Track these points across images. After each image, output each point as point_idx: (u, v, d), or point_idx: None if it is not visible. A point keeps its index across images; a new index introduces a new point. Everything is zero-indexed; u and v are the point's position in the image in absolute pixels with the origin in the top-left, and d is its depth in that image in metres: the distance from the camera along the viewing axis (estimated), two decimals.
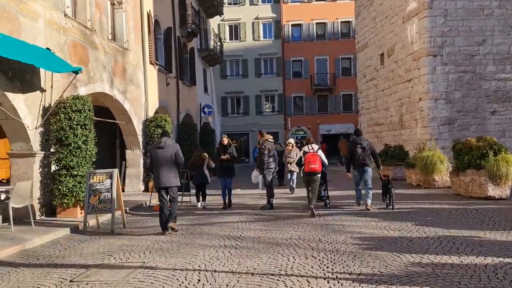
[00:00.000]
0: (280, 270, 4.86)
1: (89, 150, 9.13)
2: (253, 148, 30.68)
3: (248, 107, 35.51)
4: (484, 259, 4.95)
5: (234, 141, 30.62)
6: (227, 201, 10.09)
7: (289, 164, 12.58)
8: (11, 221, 7.45)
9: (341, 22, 35.20)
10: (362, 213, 8.53)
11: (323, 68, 35.50)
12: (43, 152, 8.75)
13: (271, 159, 9.83)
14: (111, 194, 8.05)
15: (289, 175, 12.96)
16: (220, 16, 26.58)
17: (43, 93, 8.79)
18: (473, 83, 16.76)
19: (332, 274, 4.63)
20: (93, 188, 8.08)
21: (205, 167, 10.57)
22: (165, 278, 4.77)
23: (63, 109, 8.78)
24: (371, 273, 4.58)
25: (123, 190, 13.73)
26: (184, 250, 6.03)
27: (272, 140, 10.41)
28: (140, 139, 13.94)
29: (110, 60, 12.00)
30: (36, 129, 8.56)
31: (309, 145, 9.06)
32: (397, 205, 9.28)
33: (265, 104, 35.97)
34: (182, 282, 4.60)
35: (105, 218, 8.77)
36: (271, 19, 35.36)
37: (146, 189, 13.74)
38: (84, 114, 9.03)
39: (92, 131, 9.35)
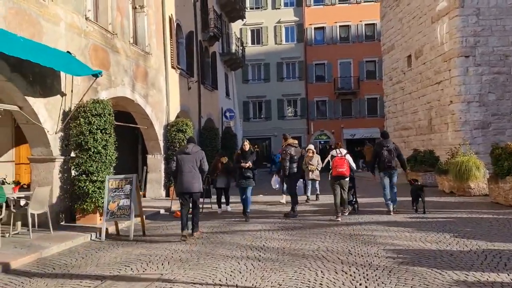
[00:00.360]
0: (308, 287, 4.45)
1: (109, 155, 8.92)
2: (273, 154, 30.17)
3: (270, 111, 35.15)
4: None
5: (256, 146, 30.53)
6: (244, 214, 9.12)
7: (310, 172, 11.53)
8: (29, 228, 7.28)
9: (365, 24, 34.49)
10: (393, 222, 8.00)
11: (347, 72, 34.82)
12: (63, 157, 8.60)
13: (294, 165, 9.31)
14: (130, 200, 7.80)
15: (309, 183, 11.84)
16: (242, 20, 26.39)
17: (63, 97, 8.66)
18: (509, 85, 15.92)
19: None
20: (112, 194, 7.85)
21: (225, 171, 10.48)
22: None
23: (83, 113, 8.62)
24: None
25: (144, 196, 13.65)
26: (204, 261, 5.68)
27: (296, 145, 9.72)
28: (161, 144, 13.75)
29: (132, 64, 11.86)
30: (56, 133, 8.42)
31: (337, 149, 9.13)
32: (431, 214, 8.76)
33: (288, 109, 35.52)
34: None
35: (124, 224, 8.54)
36: (293, 23, 34.98)
37: (167, 195, 13.52)
38: (104, 118, 8.84)
39: (112, 136, 9.15)
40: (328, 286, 4.44)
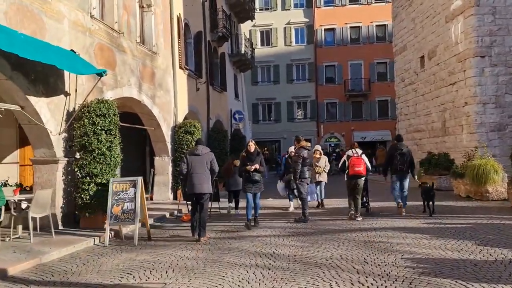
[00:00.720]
0: None
1: (114, 157, 8.66)
2: (278, 156, 29.67)
3: (280, 113, 34.81)
4: None
5: (265, 148, 30.16)
6: (253, 219, 8.43)
7: (317, 174, 10.79)
8: (30, 232, 7.02)
9: (376, 25, 34.04)
10: (410, 229, 7.60)
11: (358, 73, 34.37)
12: (66, 159, 8.36)
13: (305, 168, 8.95)
14: (135, 204, 7.52)
15: (315, 186, 10.79)
16: (252, 21, 26.11)
17: (67, 97, 8.43)
18: None
19: None
20: (116, 197, 7.58)
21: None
22: None
23: (87, 114, 8.37)
24: None
25: (151, 198, 13.39)
26: (210, 270, 5.35)
27: (309, 148, 9.39)
28: (169, 145, 13.48)
29: (138, 64, 11.62)
30: (59, 134, 8.19)
31: (353, 149, 9.26)
32: (449, 220, 8.34)
33: (297, 111, 35.16)
34: None
35: (129, 229, 8.25)
36: (303, 24, 34.66)
37: (175, 198, 13.25)
38: (109, 119, 8.59)
39: (117, 137, 8.89)
40: None
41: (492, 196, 11.14)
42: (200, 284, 4.75)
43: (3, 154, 10.09)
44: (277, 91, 34.48)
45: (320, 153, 11.20)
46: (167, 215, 10.52)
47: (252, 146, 8.45)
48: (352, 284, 4.55)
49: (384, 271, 4.96)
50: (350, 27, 34.28)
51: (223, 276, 5.03)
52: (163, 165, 13.52)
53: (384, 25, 33.46)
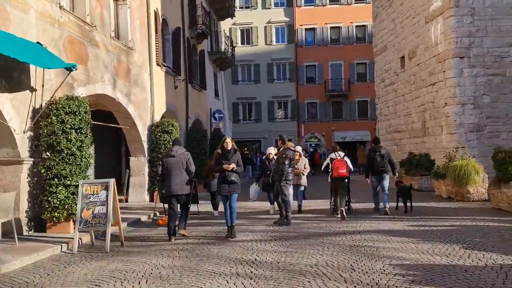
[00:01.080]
0: None
1: (85, 157, 8.14)
2: (254, 156, 29.06)
3: (260, 113, 34.51)
4: None
5: (245, 148, 29.73)
6: (228, 229, 7.44)
7: (296, 176, 9.91)
8: None
9: (356, 26, 34.13)
10: (395, 232, 7.37)
11: (338, 74, 34.39)
12: (32, 159, 7.79)
13: (290, 170, 8.62)
14: (107, 208, 7.04)
15: (293, 189, 9.69)
16: (232, 18, 25.70)
17: (33, 93, 7.86)
18: (504, 87, 15.47)
19: None
20: (86, 201, 7.08)
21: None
22: None
23: (55, 111, 7.83)
24: None
25: (126, 201, 12.84)
26: (187, 280, 4.95)
27: (293, 148, 9.09)
28: (145, 145, 12.96)
29: (113, 59, 11.08)
30: (24, 133, 7.61)
31: (336, 152, 9.51)
32: (434, 222, 8.18)
33: (278, 111, 34.92)
34: None
35: (100, 234, 7.74)
36: (284, 23, 34.45)
37: (152, 200, 12.73)
38: (79, 117, 8.06)
39: (89, 136, 8.37)
40: None
41: (473, 197, 11.09)
42: None
43: None
44: (257, 90, 34.16)
45: (300, 155, 10.56)
46: (143, 218, 10.04)
47: (229, 143, 7.52)
48: None
49: (373, 279, 4.67)
50: (331, 27, 34.26)
51: (201, 287, 4.65)
52: (139, 165, 12.99)
53: (364, 25, 33.60)
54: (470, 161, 11.25)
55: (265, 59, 34.11)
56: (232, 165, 7.36)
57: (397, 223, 8.21)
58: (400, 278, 4.65)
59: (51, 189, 7.74)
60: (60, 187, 7.76)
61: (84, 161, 8.12)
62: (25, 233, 7.57)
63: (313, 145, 34.12)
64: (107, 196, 7.08)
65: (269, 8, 34.42)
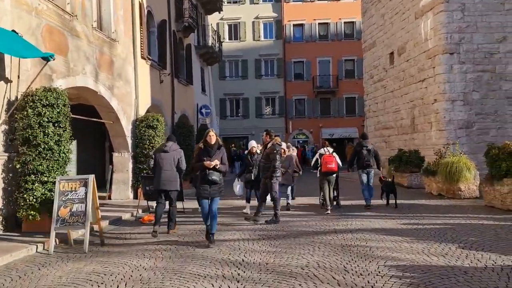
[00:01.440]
0: None
1: (63, 152, 7.71)
2: (234, 151, 27.78)
3: (248, 109, 34.15)
4: None
5: (232, 144, 29.34)
6: (207, 235, 6.53)
7: (284, 175, 9.56)
8: None
9: (345, 22, 33.97)
10: (388, 230, 7.13)
11: (326, 70, 34.20)
12: (6, 154, 7.33)
13: (279, 165, 8.33)
14: (86, 205, 6.64)
15: (282, 188, 9.62)
16: (219, 12, 25.26)
17: (8, 84, 7.39)
18: (493, 84, 15.42)
19: None
20: (63, 198, 6.68)
21: None
22: None
23: (31, 103, 7.38)
24: None
25: (109, 198, 12.41)
26: (169, 283, 4.62)
27: (281, 144, 8.78)
28: (129, 140, 12.52)
29: (95, 51, 10.62)
30: None
31: (325, 148, 9.84)
32: (426, 220, 7.97)
33: (266, 107, 34.61)
34: None
35: (80, 233, 7.34)
36: (272, 19, 34.10)
37: (136, 197, 12.32)
38: (58, 110, 7.63)
39: (68, 130, 7.93)
40: None
41: (464, 194, 10.94)
42: None
43: None
44: (245, 86, 33.78)
45: (285, 151, 10.09)
46: (126, 216, 9.64)
47: (213, 137, 6.51)
48: None
49: (368, 282, 4.40)
50: (319, 23, 34.04)
51: None
52: (123, 161, 12.55)
53: (352, 22, 33.47)
54: (461, 158, 11.09)
55: (253, 55, 33.73)
56: (215, 162, 6.34)
57: (389, 221, 7.98)
58: (397, 281, 4.39)
59: (27, 185, 7.31)
60: (36, 184, 7.34)
61: (63, 156, 7.70)
62: None
63: (301, 141, 33.91)
64: (86, 193, 6.69)
65: (257, 3, 34.04)
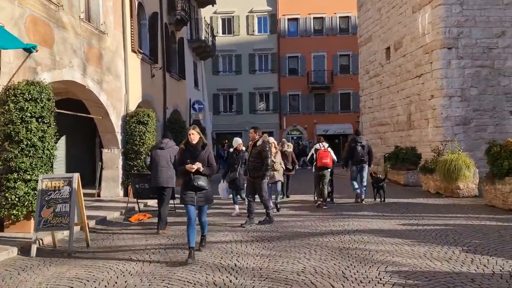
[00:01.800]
0: None
1: (48, 149, 7.34)
2: (220, 149, 26.84)
3: (241, 105, 33.75)
4: None
5: (226, 141, 28.93)
6: (199, 239, 5.95)
7: (274, 172, 9.23)
8: None
9: (340, 17, 33.60)
10: (387, 231, 6.85)
11: (321, 65, 33.86)
12: None
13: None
14: (70, 206, 6.29)
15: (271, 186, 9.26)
16: (213, 6, 24.79)
17: None
18: (491, 79, 15.18)
19: None
20: (46, 198, 6.32)
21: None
22: None
23: (13, 97, 7.00)
24: None
25: (98, 195, 12.04)
26: None
27: (268, 141, 8.44)
28: (119, 136, 12.14)
29: (83, 43, 10.21)
30: None
31: (320, 143, 9.87)
32: (426, 220, 7.72)
33: (259, 103, 34.23)
34: None
35: (66, 233, 6.99)
36: (266, 13, 33.65)
37: (126, 194, 11.95)
38: (41, 104, 7.25)
39: (52, 126, 7.56)
40: None
41: (463, 193, 10.70)
42: None
43: None
44: (239, 81, 33.36)
45: (275, 147, 9.78)
46: (115, 215, 9.29)
47: (195, 136, 5.63)
48: None
49: None
50: (314, 18, 33.66)
51: None
52: (112, 158, 12.17)
53: (348, 16, 33.11)
54: (460, 155, 10.83)
55: (246, 50, 33.28)
56: (197, 165, 5.41)
57: (387, 222, 7.71)
58: None
59: (8, 184, 6.94)
60: (19, 182, 6.98)
61: (47, 153, 7.33)
62: None
63: (295, 138, 33.62)
64: (70, 192, 6.34)
65: None
